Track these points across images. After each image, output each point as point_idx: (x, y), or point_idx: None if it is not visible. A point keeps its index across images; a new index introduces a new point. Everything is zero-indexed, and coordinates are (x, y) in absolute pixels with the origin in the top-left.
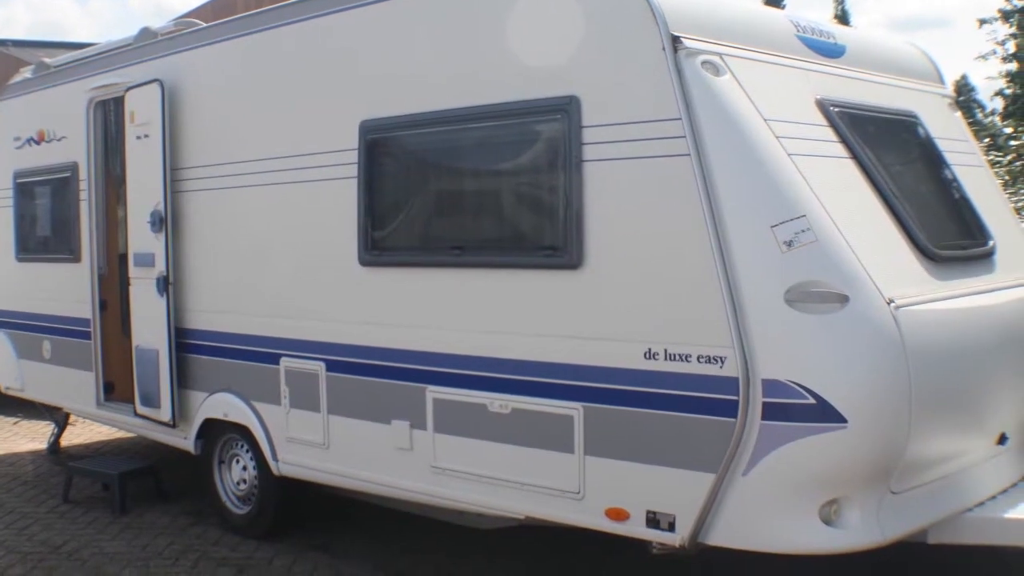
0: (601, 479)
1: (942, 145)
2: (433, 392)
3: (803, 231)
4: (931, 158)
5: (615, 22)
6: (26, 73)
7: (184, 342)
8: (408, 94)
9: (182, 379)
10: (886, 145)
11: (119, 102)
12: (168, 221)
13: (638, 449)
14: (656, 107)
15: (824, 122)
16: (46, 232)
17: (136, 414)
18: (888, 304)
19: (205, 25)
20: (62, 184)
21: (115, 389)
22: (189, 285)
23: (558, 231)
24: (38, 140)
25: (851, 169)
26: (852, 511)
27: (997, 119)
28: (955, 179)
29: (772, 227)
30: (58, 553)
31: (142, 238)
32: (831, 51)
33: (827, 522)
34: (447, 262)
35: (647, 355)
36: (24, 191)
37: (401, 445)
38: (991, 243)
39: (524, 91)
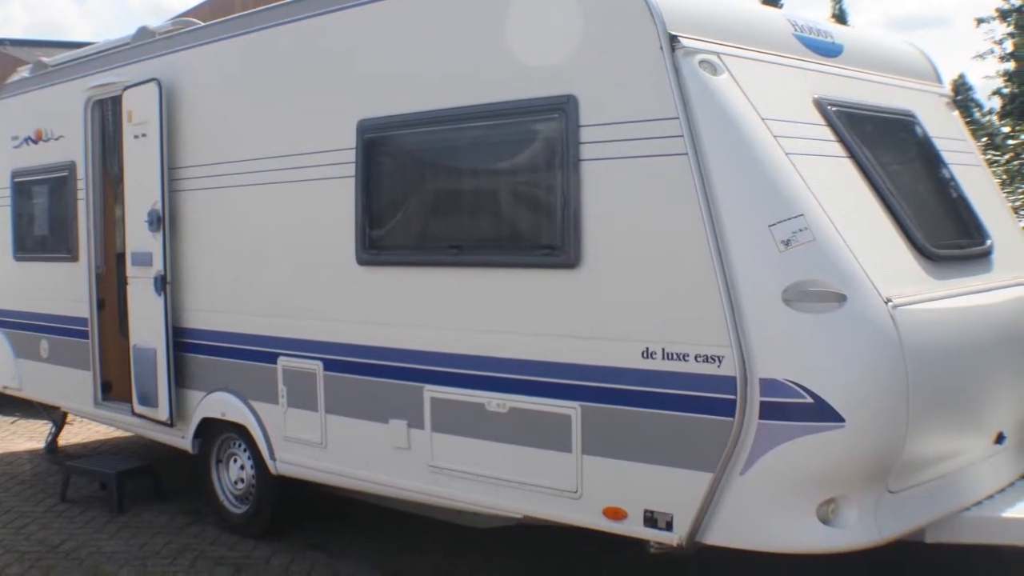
0: (599, 478)
1: (940, 144)
2: (431, 391)
3: (801, 230)
4: (929, 157)
5: (613, 21)
6: (24, 72)
7: (182, 341)
8: (406, 93)
9: (180, 378)
10: (884, 144)
11: (117, 101)
12: (166, 220)
13: (636, 448)
14: (654, 106)
15: (822, 121)
16: (44, 231)
17: (134, 413)
18: (886, 303)
19: (203, 24)
20: (60, 183)
21: (113, 388)
22: (187, 284)
23: (556, 230)
24: (36, 139)
25: (849, 168)
26: (850, 510)
27: (995, 118)
28: (953, 178)
29: (770, 226)
30: (56, 552)
31: (140, 237)
32: (829, 50)
33: (825, 521)
34: (445, 261)
35: (645, 354)
36: (22, 190)
37: (399, 444)
38: (989, 242)
39: (522, 90)
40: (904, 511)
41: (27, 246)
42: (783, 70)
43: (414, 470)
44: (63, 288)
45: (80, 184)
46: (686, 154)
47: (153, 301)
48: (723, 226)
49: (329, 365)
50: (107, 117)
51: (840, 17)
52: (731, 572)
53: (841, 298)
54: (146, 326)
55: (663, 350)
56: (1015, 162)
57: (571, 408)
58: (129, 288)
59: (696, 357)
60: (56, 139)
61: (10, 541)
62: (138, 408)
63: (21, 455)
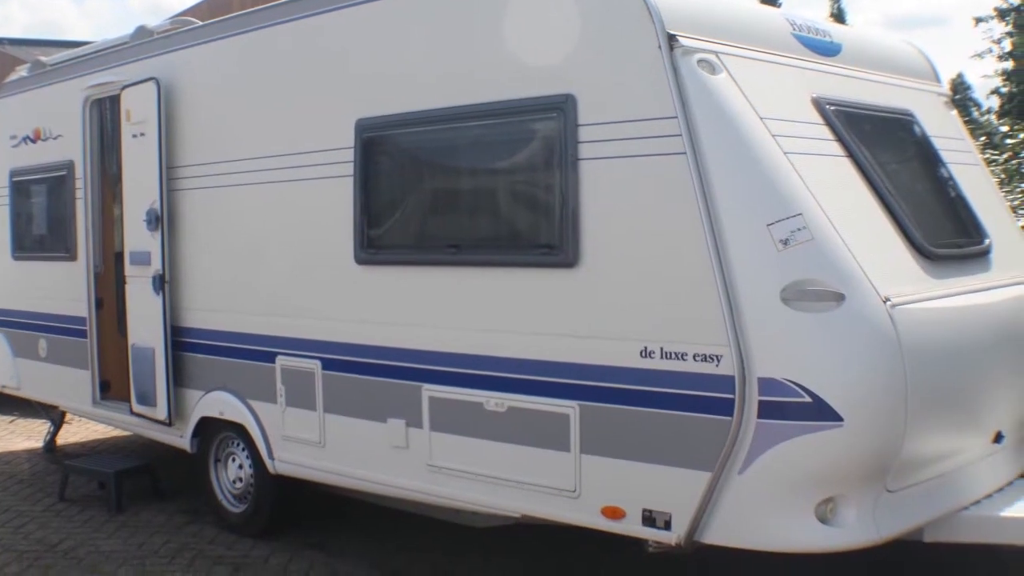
0: (597, 477)
1: (938, 143)
2: (429, 391)
3: (799, 229)
4: (927, 156)
5: (611, 20)
6: (22, 71)
7: (180, 340)
8: (404, 93)
9: (178, 377)
10: (882, 143)
11: (115, 100)
12: (164, 220)
13: (634, 448)
14: (652, 105)
15: (820, 120)
16: (42, 230)
17: (132, 412)
18: (884, 303)
19: (201, 24)
20: (58, 182)
21: (111, 387)
22: (185, 283)
23: (554, 229)
24: (34, 138)
25: (847, 167)
26: (848, 509)
27: (993, 117)
28: (951, 177)
29: (768, 225)
30: (54, 551)
31: (138, 236)
32: (827, 49)
33: (823, 520)
34: (443, 260)
35: (643, 353)
36: (20, 189)
37: (397, 443)
38: (987, 241)
39: (520, 89)
40: (902, 510)
41: (26, 245)
42: (781, 69)
43: (412, 469)
44: (62, 287)
45: (78, 183)
46: (684, 153)
47: (151, 300)
48: (721, 225)
49: (327, 364)
50: (105, 116)
51: (838, 16)
52: (729, 571)
53: (839, 297)
54: (144, 325)
55: (661, 349)
56: (1013, 161)
57: (569, 407)
58: (127, 287)
59: (695, 356)
60: (54, 138)
61: (8, 540)
62: (136, 407)
63: (19, 454)
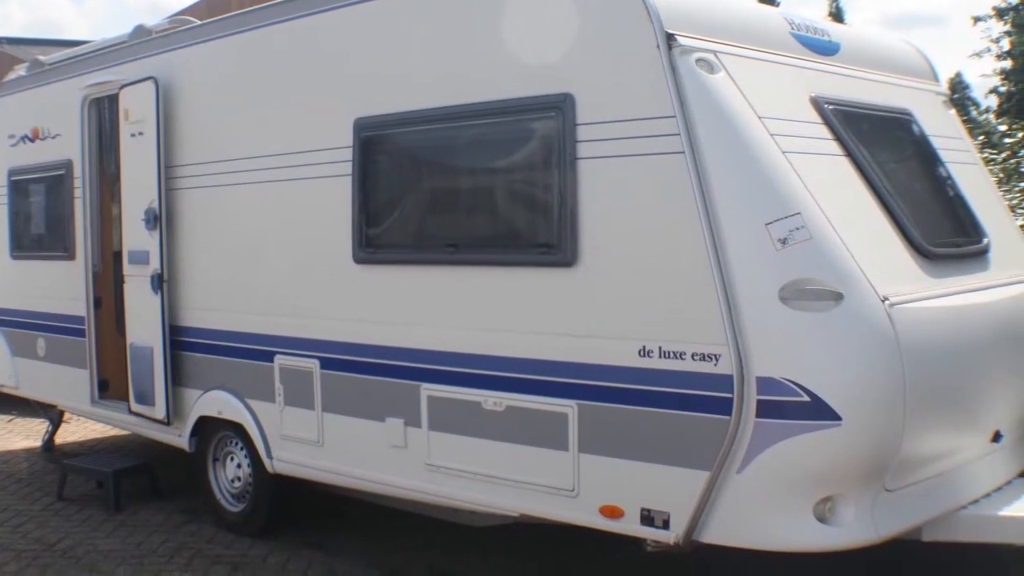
0: (595, 477)
1: (937, 143)
2: (428, 390)
3: (797, 229)
4: (926, 156)
5: (610, 20)
6: (21, 71)
7: (178, 340)
8: (403, 92)
9: (176, 377)
10: (881, 143)
11: (113, 100)
12: (162, 219)
13: (633, 447)
14: (650, 105)
15: (818, 120)
16: (41, 230)
17: (130, 412)
18: (883, 302)
19: (199, 23)
20: (57, 182)
21: (109, 387)
22: (183, 283)
23: (552, 229)
24: (33, 138)
25: (845, 167)
26: (847, 509)
27: (991, 117)
28: (950, 177)
29: (767, 225)
30: (52, 551)
31: (136, 236)
32: (825, 49)
33: (822, 520)
34: (442, 260)
35: (642, 353)
36: (19, 189)
37: (395, 443)
38: (985, 241)
39: (519, 89)
40: (901, 509)
41: (24, 244)
42: (780, 68)
43: (411, 468)
44: (60, 286)
45: (77, 182)
46: (683, 152)
47: (150, 299)
48: (720, 224)
49: (326, 364)
50: (104, 115)
51: (837, 15)
52: (728, 571)
53: (838, 296)
54: (143, 324)
55: (660, 348)
56: (1012, 160)
57: (568, 406)
58: (126, 286)
59: (693, 355)
60: (53, 137)
61: (7, 539)
62: (135, 406)
63: (18, 453)
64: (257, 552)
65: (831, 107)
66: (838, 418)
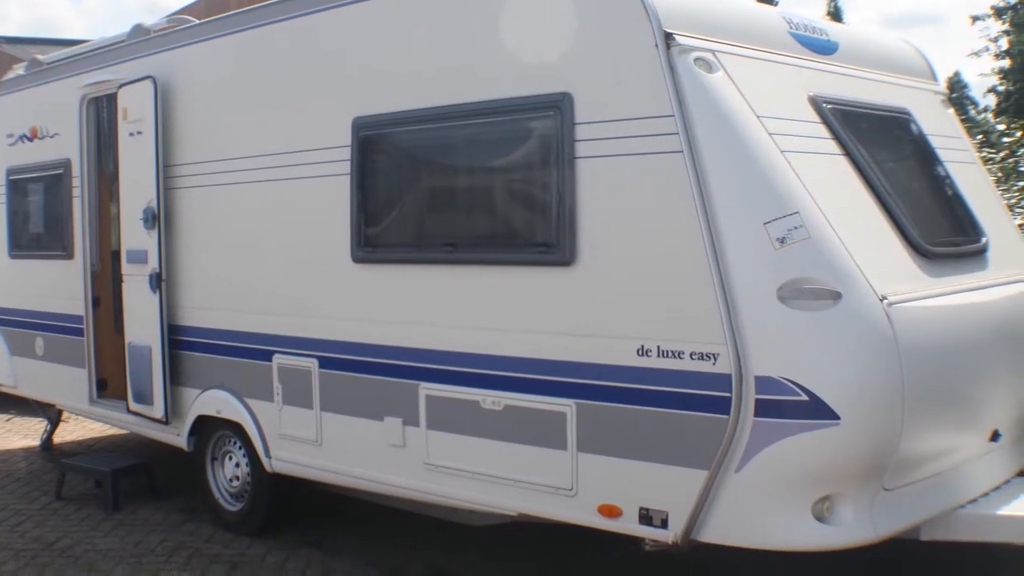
0: (594, 476)
1: (935, 142)
2: (426, 389)
3: (796, 228)
4: (924, 155)
5: (608, 19)
6: (19, 70)
7: (177, 339)
8: (401, 91)
9: (175, 376)
10: (879, 142)
11: (112, 99)
12: (161, 218)
13: (631, 446)
14: (649, 104)
15: (817, 119)
16: (39, 229)
17: (129, 411)
18: (881, 301)
19: (198, 22)
20: (55, 181)
21: (108, 386)
22: (182, 282)
23: (551, 228)
24: (31, 137)
25: (844, 166)
26: (845, 508)
27: (990, 116)
28: (948, 176)
29: (765, 224)
30: (51, 550)
31: (135, 235)
32: (824, 48)
33: (820, 519)
34: (440, 259)
35: (640, 352)
36: (17, 188)
37: (394, 442)
38: (984, 240)
39: (517, 88)
40: (899, 509)
41: (22, 243)
42: (778, 68)
43: (409, 468)
44: (58, 286)
45: (75, 182)
46: (681, 151)
47: (148, 299)
48: (718, 223)
49: (324, 363)
50: (102, 115)
51: (835, 15)
52: (726, 570)
53: (836, 296)
54: (141, 324)
55: (658, 347)
56: (1010, 159)
57: (566, 406)
58: (124, 286)
59: (691, 355)
60: (51, 137)
61: (5, 539)
62: (133, 406)
63: (16, 453)
64: (255, 551)
65: (829, 106)
66: (836, 417)
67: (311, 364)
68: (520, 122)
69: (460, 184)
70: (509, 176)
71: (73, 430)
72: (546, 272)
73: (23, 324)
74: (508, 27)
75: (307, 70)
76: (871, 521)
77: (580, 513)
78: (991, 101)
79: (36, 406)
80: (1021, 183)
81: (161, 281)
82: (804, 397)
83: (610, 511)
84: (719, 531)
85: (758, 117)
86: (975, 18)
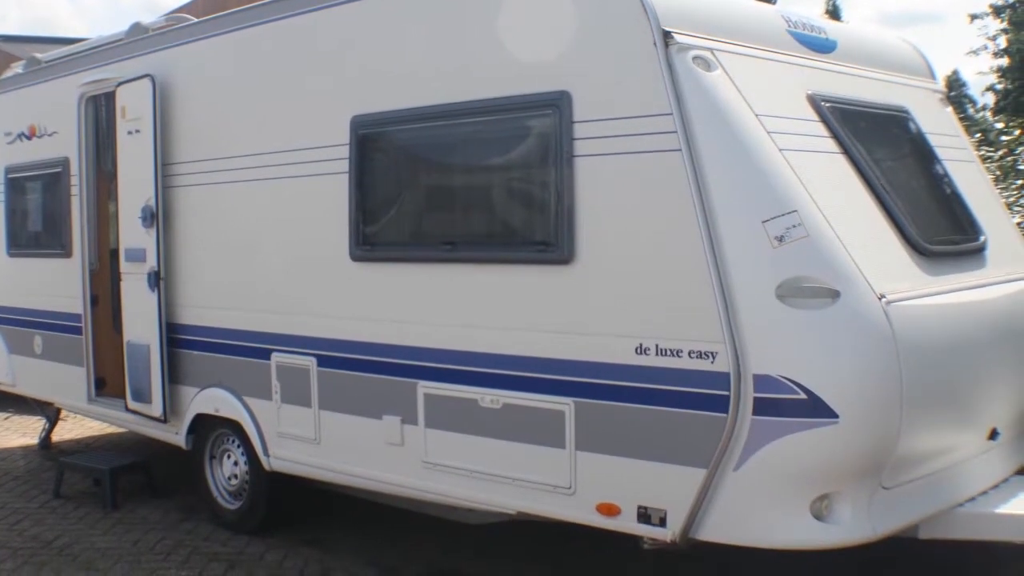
0: (592, 474)
1: (933, 140)
2: (424, 387)
3: (794, 226)
4: (922, 153)
5: (606, 17)
6: (17, 68)
7: (175, 337)
8: (400, 89)
9: (173, 374)
10: (877, 140)
11: (110, 97)
12: (159, 216)
13: (629, 444)
14: (647, 102)
15: (815, 117)
16: (37, 227)
17: (127, 409)
18: (879, 299)
19: (196, 20)
20: (53, 179)
21: (106, 384)
22: (180, 280)
23: (549, 226)
24: (29, 135)
25: (842, 164)
26: (843, 506)
27: (988, 114)
28: (946, 174)
29: (763, 222)
30: (49, 548)
31: (133, 233)
32: (822, 46)
33: (818, 517)
34: (438, 257)
35: (638, 350)
36: (15, 186)
37: (392, 440)
38: (982, 238)
39: (516, 86)
40: (898, 507)
41: (21, 242)
42: (777, 66)
43: (408, 466)
44: (57, 284)
45: (74, 180)
46: (680, 150)
47: (147, 297)
48: (717, 222)
49: (323, 361)
50: (101, 113)
51: (834, 13)
52: (725, 569)
53: (835, 294)
54: (140, 322)
55: (657, 346)
56: (1009, 158)
57: (565, 404)
58: (123, 284)
59: (690, 353)
60: (50, 135)
61: (3, 537)
62: (132, 404)
63: (15, 451)
64: (254, 550)
65: (828, 105)
66: (835, 416)
67: (309, 362)
68: (519, 120)
69: (459, 183)
70: (508, 175)
71: (72, 428)
72: (545, 271)
73: (21, 323)
74: (507, 25)
75: (306, 68)
76: (869, 520)
77: (578, 511)
78: (989, 99)
79: (35, 404)
80: (1019, 181)
81: (159, 279)
82: (802, 396)
83: (608, 509)
84: (717, 529)
85: (756, 116)
86: (973, 16)
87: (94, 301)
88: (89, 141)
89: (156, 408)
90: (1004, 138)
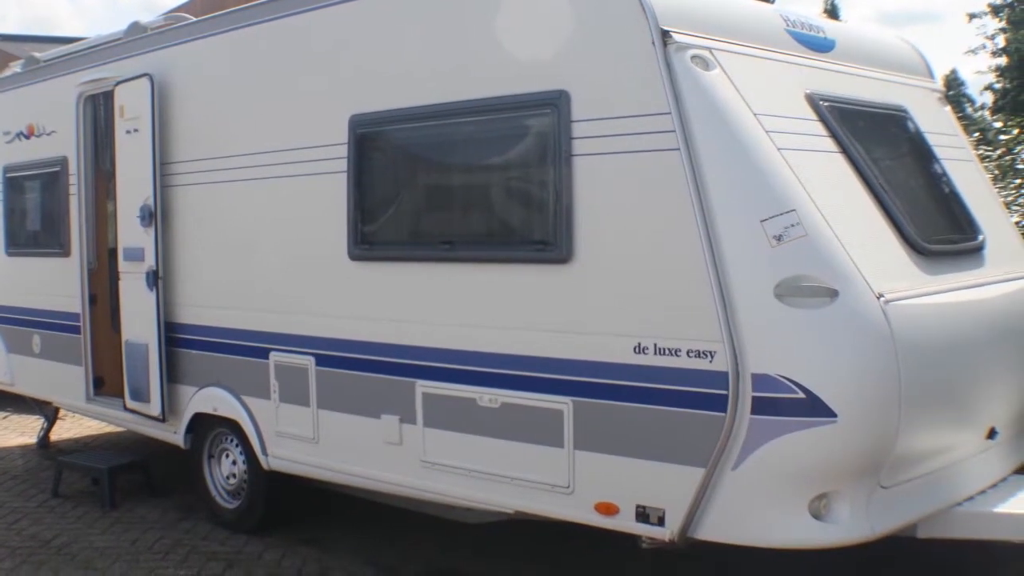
0: (591, 473)
1: (932, 139)
2: (423, 386)
3: (793, 225)
4: (921, 152)
5: (605, 17)
6: (16, 68)
7: (174, 336)
8: (398, 89)
9: (171, 373)
10: (876, 139)
11: (109, 96)
12: (158, 216)
13: (628, 443)
14: (645, 101)
15: (814, 116)
16: (36, 226)
17: (126, 408)
18: (878, 299)
19: (195, 20)
20: (52, 178)
21: (105, 383)
22: (179, 279)
23: (548, 225)
24: (28, 134)
25: (841, 163)
26: (842, 505)
27: (987, 113)
28: (945, 173)
29: (762, 221)
30: (48, 547)
31: (132, 232)
32: (821, 45)
33: (817, 516)
34: (437, 256)
35: (637, 349)
36: (14, 185)
37: (391, 439)
38: (981, 237)
39: (514, 86)
40: (896, 506)
41: (19, 241)
42: (775, 65)
43: (406, 465)
44: (55, 283)
45: (72, 179)
46: (678, 149)
47: (145, 296)
48: (715, 221)
49: (321, 360)
50: (99, 112)
51: (832, 12)
52: (723, 568)
53: (833, 293)
54: (138, 321)
55: (655, 345)
56: (1007, 157)
57: (563, 403)
58: (121, 283)
59: (688, 352)
60: (48, 134)
61: (2, 536)
62: (130, 403)
63: (13, 450)
64: (252, 549)
65: (826, 104)
66: (833, 415)
67: (308, 362)
68: (517, 120)
69: (457, 182)
70: (506, 174)
71: (70, 428)
72: (543, 270)
73: (20, 322)
74: (505, 25)
75: (304, 68)
76: (868, 519)
77: (577, 511)
78: (988, 98)
79: (33, 403)
80: (1018, 180)
81: (158, 279)
82: (801, 395)
83: (607, 509)
84: (716, 529)
85: (755, 115)
86: (972, 15)
87: (92, 300)
88: (87, 140)
89: (154, 407)
90: (1002, 137)
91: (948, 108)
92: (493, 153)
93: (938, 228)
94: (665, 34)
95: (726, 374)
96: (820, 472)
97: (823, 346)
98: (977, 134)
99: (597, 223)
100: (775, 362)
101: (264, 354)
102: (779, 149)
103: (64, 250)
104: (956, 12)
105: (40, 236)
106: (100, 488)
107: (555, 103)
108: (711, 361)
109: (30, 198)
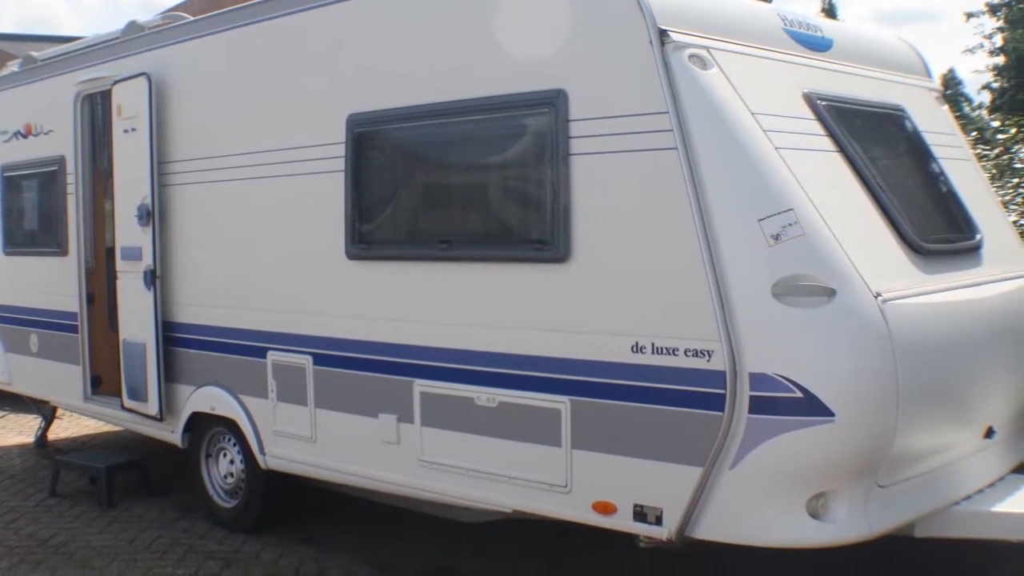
0: (588, 473)
1: (929, 139)
2: (420, 386)
3: (790, 225)
4: (918, 152)
5: (603, 16)
6: (13, 67)
7: (171, 336)
8: (396, 88)
9: (169, 373)
10: (873, 139)
11: (106, 96)
12: (155, 215)
13: (626, 443)
14: (643, 101)
15: (811, 116)
16: (33, 226)
17: (123, 408)
18: (876, 298)
19: (193, 19)
20: (49, 178)
21: (102, 383)
22: (176, 279)
23: (545, 225)
24: (25, 134)
25: (838, 163)
26: (839, 505)
27: (984, 113)
28: (942, 173)
29: (759, 221)
30: (45, 547)
31: (129, 232)
32: (818, 45)
33: (814, 516)
34: (435, 256)
35: (634, 349)
36: (11, 185)
37: (388, 439)
38: (978, 236)
39: (512, 85)
40: (894, 505)
41: (17, 240)
42: (773, 64)
43: (404, 464)
44: (53, 282)
45: (70, 178)
46: (676, 148)
47: (143, 295)
48: (713, 220)
49: (319, 359)
50: (97, 111)
51: (829, 11)
52: (721, 567)
53: (831, 292)
54: (136, 320)
55: (653, 344)
56: (1004, 156)
57: (561, 402)
58: (119, 283)
59: (686, 351)
60: (46, 133)
61: None
62: (128, 402)
63: (11, 449)
64: (250, 548)
65: (824, 103)
66: (831, 414)
67: (305, 361)
68: (515, 119)
69: (455, 181)
70: (504, 173)
71: (68, 427)
72: (541, 269)
73: (18, 321)
74: (503, 24)
75: (301, 67)
76: (865, 518)
77: (574, 510)
78: (985, 98)
79: (31, 403)
80: (1015, 180)
81: (155, 278)
82: (799, 394)
83: (604, 508)
84: (714, 528)
85: (752, 114)
86: (969, 15)
87: (90, 299)
88: (85, 139)
89: (152, 406)
90: (1000, 136)
91: (946, 107)
92: (491, 152)
93: (936, 227)
94: (663, 33)
95: (724, 373)
96: (818, 471)
97: (821, 345)
98: (975, 133)
99: (595, 222)
100: (773, 361)
101: (262, 353)
102: (777, 148)
103: (62, 249)
104: (954, 11)
105: (38, 235)
106: (98, 487)
107: (553, 102)
108: (709, 360)
109: (28, 197)
